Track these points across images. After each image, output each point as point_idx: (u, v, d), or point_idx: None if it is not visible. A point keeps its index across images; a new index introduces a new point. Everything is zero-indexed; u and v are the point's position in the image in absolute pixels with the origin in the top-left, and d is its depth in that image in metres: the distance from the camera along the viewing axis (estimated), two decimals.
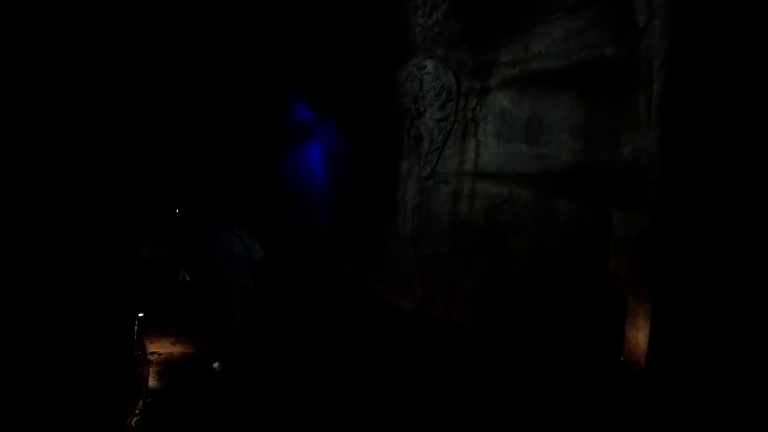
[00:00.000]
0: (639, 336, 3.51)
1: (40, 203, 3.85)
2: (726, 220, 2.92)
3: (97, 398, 3.15)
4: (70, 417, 2.89)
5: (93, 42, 4.61)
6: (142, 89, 7.49)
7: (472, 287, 5.47)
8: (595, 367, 4.11)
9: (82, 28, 4.40)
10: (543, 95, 5.08)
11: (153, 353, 4.85)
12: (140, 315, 4.50)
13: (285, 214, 10.23)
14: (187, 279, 4.85)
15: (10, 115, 3.88)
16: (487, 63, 5.63)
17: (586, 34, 4.63)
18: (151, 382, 4.12)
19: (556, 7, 4.89)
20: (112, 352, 3.97)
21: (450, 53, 6.02)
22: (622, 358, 3.79)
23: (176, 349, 5.03)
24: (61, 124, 4.17)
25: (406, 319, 6.12)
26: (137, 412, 3.44)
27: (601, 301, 4.35)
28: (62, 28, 4.27)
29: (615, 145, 4.47)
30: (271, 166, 10.49)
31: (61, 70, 4.15)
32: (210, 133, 10.63)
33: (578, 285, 4.61)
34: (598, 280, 4.42)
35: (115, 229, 4.53)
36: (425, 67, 6.22)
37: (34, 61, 4.06)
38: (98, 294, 4.00)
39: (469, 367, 4.82)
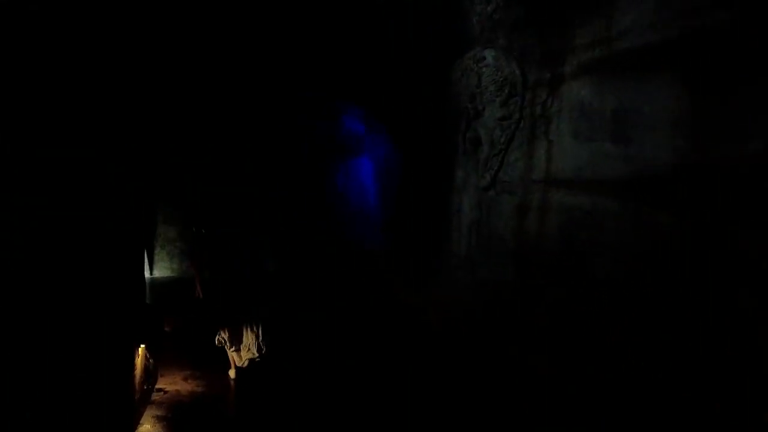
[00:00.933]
0: None
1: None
2: None
3: None
4: None
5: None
6: (163, 94, 7.13)
7: (543, 324, 4.40)
8: None
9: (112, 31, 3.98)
10: (633, 81, 4.01)
11: (159, 390, 4.20)
12: (142, 345, 3.87)
13: (336, 232, 9.56)
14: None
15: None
16: (559, 48, 4.63)
17: None
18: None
19: None
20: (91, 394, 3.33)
21: (513, 41, 5.08)
22: None
23: (187, 387, 4.36)
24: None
25: (463, 356, 5.12)
26: None
27: (725, 349, 3.18)
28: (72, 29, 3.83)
29: (738, 138, 3.32)
30: (321, 181, 9.91)
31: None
32: (255, 148, 10.24)
33: (688, 326, 3.45)
34: (717, 321, 3.26)
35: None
36: (484, 58, 5.30)
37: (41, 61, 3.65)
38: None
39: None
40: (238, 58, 7.93)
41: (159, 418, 3.68)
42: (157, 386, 4.26)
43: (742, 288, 3.13)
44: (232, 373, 5.22)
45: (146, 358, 4.20)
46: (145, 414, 3.74)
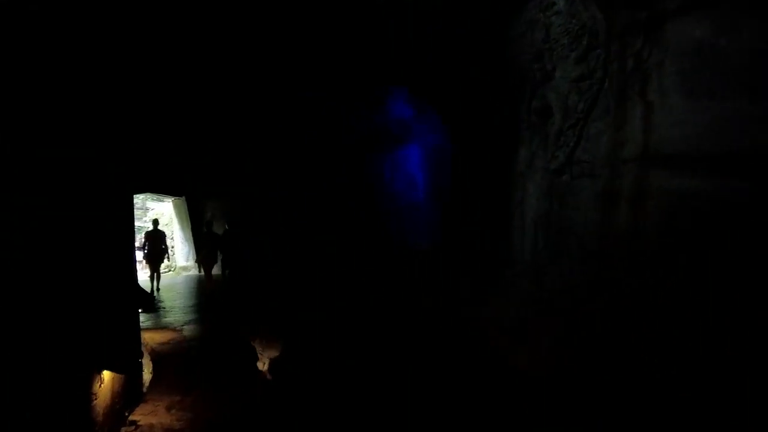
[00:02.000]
0: None
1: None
2: None
3: None
4: None
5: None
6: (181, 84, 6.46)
7: (640, 354, 3.14)
8: None
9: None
10: None
11: (132, 423, 3.37)
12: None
13: (381, 230, 8.59)
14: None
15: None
16: None
17: None
18: None
19: None
20: None
21: None
22: None
23: (165, 420, 3.49)
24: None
25: (527, 389, 3.94)
26: None
27: None
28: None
29: None
30: (364, 174, 8.98)
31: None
32: (288, 144, 9.47)
33: None
34: None
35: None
36: (553, 4, 4.09)
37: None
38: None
39: None
40: (268, 43, 7.14)
41: None
42: (131, 417, 3.46)
43: None
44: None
45: (123, 381, 3.44)
46: None
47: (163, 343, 5.50)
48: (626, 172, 3.42)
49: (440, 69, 6.24)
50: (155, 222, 12.10)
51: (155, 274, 11.18)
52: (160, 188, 13.85)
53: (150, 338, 5.71)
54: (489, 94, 5.20)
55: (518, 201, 4.57)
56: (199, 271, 10.04)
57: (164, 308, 7.87)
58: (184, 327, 6.30)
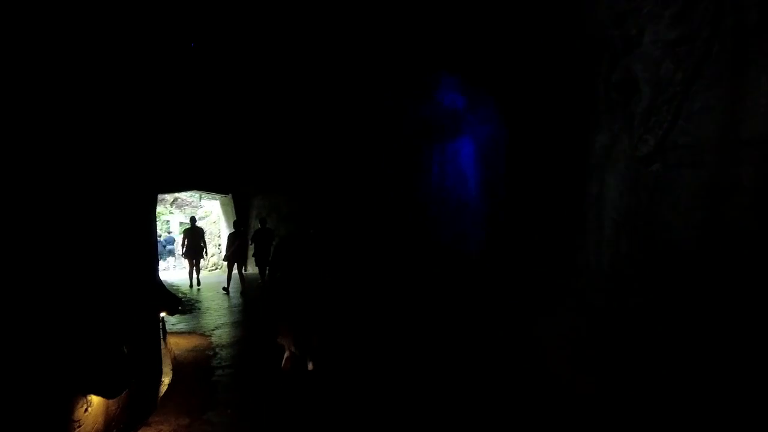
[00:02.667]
0: None
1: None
2: None
3: None
4: None
5: None
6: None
7: None
8: None
9: None
10: None
11: None
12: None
13: (429, 233, 7.91)
14: None
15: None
16: None
17: None
18: None
19: None
20: None
21: None
22: None
23: None
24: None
25: (594, 424, 3.16)
26: None
27: None
28: None
29: None
30: (411, 171, 8.34)
31: None
32: (334, 132, 8.96)
33: None
34: None
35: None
36: None
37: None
38: None
39: None
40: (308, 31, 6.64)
41: None
42: None
43: None
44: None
45: (126, 400, 2.97)
46: None
47: (187, 350, 5.08)
48: (746, 157, 2.59)
49: (498, 48, 5.50)
50: (192, 219, 12.07)
51: (194, 269, 11.16)
52: (205, 186, 13.80)
53: (175, 344, 5.31)
54: (555, 71, 4.41)
55: (593, 197, 3.77)
56: (230, 270, 9.79)
57: (199, 309, 7.54)
58: (214, 332, 5.87)
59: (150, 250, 4.67)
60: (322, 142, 9.46)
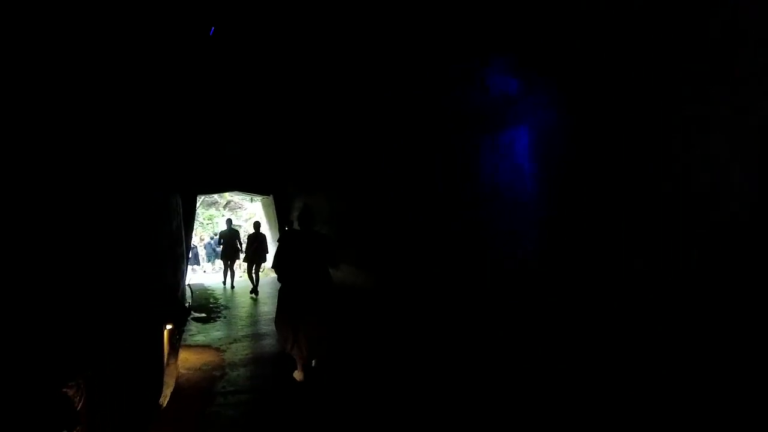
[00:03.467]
0: None
1: None
2: None
3: None
4: None
5: None
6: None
7: None
8: None
9: None
10: None
11: None
12: None
13: (477, 237, 6.95)
14: None
15: None
16: None
17: None
18: None
19: None
20: None
21: None
22: None
23: None
24: None
25: None
26: None
27: None
28: None
29: None
30: (455, 167, 7.40)
31: None
32: (368, 126, 8.14)
33: None
34: None
35: None
36: None
37: None
38: None
39: None
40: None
41: None
42: None
43: None
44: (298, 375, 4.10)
45: None
46: None
47: (194, 369, 4.41)
48: None
49: (562, 17, 4.54)
50: (229, 221, 11.82)
51: (228, 271, 10.95)
52: (246, 186, 13.41)
53: (183, 360, 4.67)
54: (633, 36, 3.40)
55: (706, 188, 2.75)
56: (249, 273, 9.78)
57: (223, 317, 6.94)
58: (230, 346, 5.21)
59: (155, 255, 4.05)
60: (362, 139, 8.71)
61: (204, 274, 17.04)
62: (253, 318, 6.86)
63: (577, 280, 4.88)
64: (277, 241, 9.36)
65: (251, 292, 9.35)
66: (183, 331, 5.73)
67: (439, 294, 7.09)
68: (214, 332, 5.96)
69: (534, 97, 6.23)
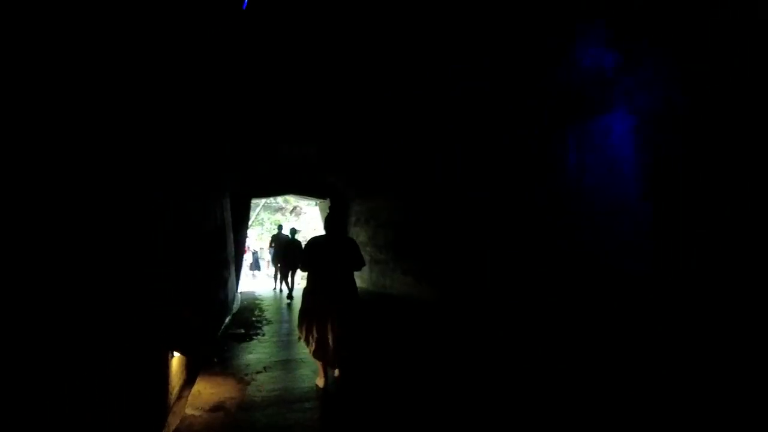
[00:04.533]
0: None
1: None
2: None
3: None
4: None
5: None
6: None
7: None
8: None
9: None
10: None
11: None
12: None
13: (561, 246, 5.71)
14: None
15: None
16: None
17: None
18: None
19: None
20: None
21: None
22: None
23: None
24: None
25: None
26: None
27: None
28: None
29: None
30: (530, 163, 6.17)
31: None
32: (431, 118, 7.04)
33: None
34: None
35: None
36: None
37: None
38: None
39: None
40: None
41: None
42: None
43: None
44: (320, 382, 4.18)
45: None
46: None
47: (204, 410, 3.57)
48: None
49: None
50: (280, 227, 11.28)
51: (280, 278, 10.45)
52: (302, 189, 12.78)
53: (195, 395, 3.85)
54: None
55: None
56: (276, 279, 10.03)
57: (260, 335, 6.16)
58: (256, 377, 4.36)
59: (154, 267, 3.27)
60: (427, 138, 7.69)
61: (267, 278, 16.72)
62: (294, 337, 6.02)
63: (698, 288, 3.60)
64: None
65: (287, 298, 9.70)
66: (211, 357, 4.98)
67: (517, 311, 5.92)
68: (246, 355, 5.16)
69: (635, 75, 4.96)
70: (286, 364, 4.79)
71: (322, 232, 4.81)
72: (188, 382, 4.13)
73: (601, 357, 4.58)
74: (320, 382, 4.12)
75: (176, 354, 3.62)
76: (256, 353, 5.22)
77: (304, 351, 5.26)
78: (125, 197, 2.64)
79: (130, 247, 2.76)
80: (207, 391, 3.89)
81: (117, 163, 2.50)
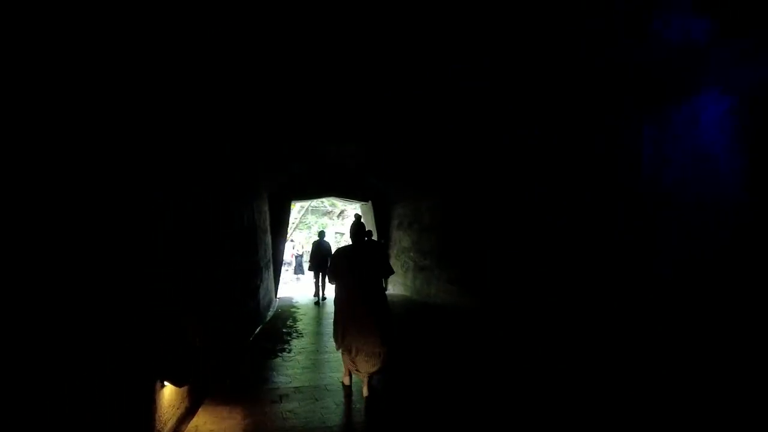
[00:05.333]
0: None
1: None
2: None
3: None
4: None
5: None
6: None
7: None
8: None
9: None
10: None
11: None
12: None
13: (636, 254, 4.76)
14: None
15: None
16: None
17: None
18: None
19: None
20: None
21: None
22: None
23: None
24: None
25: None
26: None
27: None
28: None
29: None
30: (604, 159, 5.21)
31: None
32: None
33: None
34: None
35: None
36: None
37: None
38: None
39: None
40: None
41: None
42: None
43: None
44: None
45: None
46: None
47: None
48: None
49: None
50: (321, 233, 10.82)
51: (320, 285, 10.09)
52: (343, 191, 12.23)
53: (196, 429, 3.27)
54: None
55: None
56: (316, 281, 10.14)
57: (287, 351, 5.59)
58: (270, 408, 3.78)
59: (142, 280, 2.75)
60: (471, 133, 6.90)
61: (310, 283, 16.37)
62: (324, 354, 5.40)
63: None
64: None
65: (315, 304, 9.73)
66: (224, 377, 4.44)
67: (585, 333, 5.03)
68: (265, 376, 4.59)
69: (732, 47, 4.02)
70: (309, 392, 4.16)
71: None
72: (191, 410, 3.58)
73: (699, 380, 3.66)
74: (346, 380, 4.28)
75: (165, 384, 3.06)
76: (278, 375, 4.64)
77: (331, 375, 4.64)
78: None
79: (101, 247, 2.22)
80: (206, 428, 3.31)
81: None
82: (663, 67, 4.40)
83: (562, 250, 5.66)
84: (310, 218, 25.00)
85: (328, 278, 4.45)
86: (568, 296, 5.50)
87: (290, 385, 4.30)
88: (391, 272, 4.45)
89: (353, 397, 4.02)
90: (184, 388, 3.44)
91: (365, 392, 4.00)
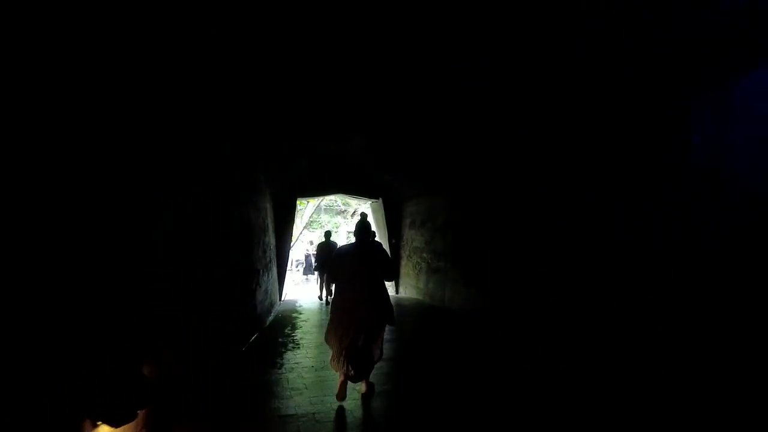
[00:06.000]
0: None
1: None
2: None
3: None
4: None
5: None
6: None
7: None
8: None
9: None
10: None
11: None
12: None
13: (688, 257, 4.05)
14: None
15: None
16: None
17: None
18: None
19: None
20: None
21: None
22: None
23: None
24: None
25: None
26: None
27: None
28: None
29: None
30: (655, 146, 4.48)
31: None
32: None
33: None
34: None
35: None
36: None
37: None
38: None
39: None
40: None
41: None
42: None
43: None
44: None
45: None
46: None
47: None
48: None
49: None
50: (327, 234, 10.31)
51: (323, 284, 10.08)
52: (352, 189, 11.65)
53: None
54: None
55: None
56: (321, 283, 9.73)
57: (283, 362, 4.99)
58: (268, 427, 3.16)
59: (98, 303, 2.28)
60: (491, 127, 6.24)
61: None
62: (320, 371, 4.81)
63: None
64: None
65: (326, 304, 9.39)
66: (198, 404, 3.88)
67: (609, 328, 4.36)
68: (253, 397, 4.01)
69: None
70: (294, 423, 3.54)
71: (376, 237, 4.17)
72: None
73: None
74: (339, 395, 3.94)
75: (99, 425, 2.46)
76: (265, 397, 4.05)
77: (324, 398, 4.03)
78: None
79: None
80: None
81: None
82: (716, 43, 3.66)
83: (595, 253, 4.98)
84: (324, 217, 24.60)
85: (328, 277, 4.38)
86: (601, 301, 4.83)
87: (283, 405, 3.73)
88: (395, 273, 4.14)
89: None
90: (137, 421, 2.86)
91: (363, 388, 4.09)
